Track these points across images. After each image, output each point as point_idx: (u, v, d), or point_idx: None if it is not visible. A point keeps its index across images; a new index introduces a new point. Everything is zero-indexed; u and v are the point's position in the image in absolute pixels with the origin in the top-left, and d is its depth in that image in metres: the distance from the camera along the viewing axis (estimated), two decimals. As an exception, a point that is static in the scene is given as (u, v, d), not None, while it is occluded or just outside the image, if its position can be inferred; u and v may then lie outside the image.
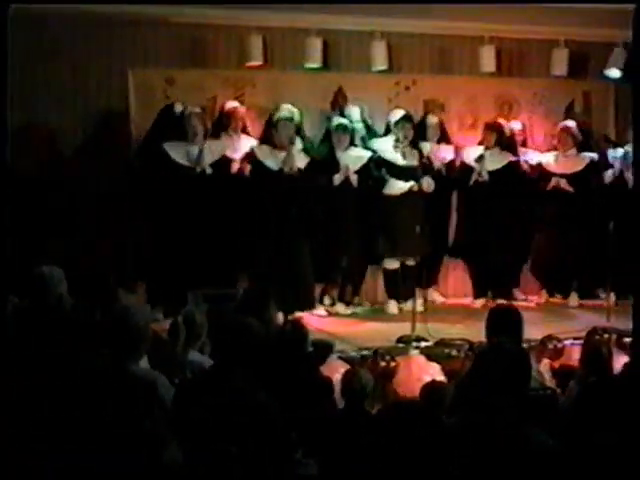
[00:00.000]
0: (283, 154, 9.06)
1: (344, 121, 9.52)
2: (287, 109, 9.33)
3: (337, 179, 9.27)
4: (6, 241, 6.49)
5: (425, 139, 9.89)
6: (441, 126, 10.11)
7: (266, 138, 9.23)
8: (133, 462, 4.44)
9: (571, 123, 10.20)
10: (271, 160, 9.07)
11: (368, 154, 9.47)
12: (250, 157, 9.14)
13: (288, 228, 9.02)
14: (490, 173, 9.80)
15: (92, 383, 4.71)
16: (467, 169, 9.93)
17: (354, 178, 9.33)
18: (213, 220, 8.85)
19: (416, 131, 9.64)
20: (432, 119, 10.05)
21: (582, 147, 10.11)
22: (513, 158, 9.92)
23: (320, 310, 9.40)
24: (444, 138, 10.11)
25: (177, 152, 8.91)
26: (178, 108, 9.09)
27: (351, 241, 9.42)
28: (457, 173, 10.01)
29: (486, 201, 9.78)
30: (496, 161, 9.85)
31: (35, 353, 5.47)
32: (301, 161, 9.17)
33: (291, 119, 9.17)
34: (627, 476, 4.17)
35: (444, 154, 9.98)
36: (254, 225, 9.04)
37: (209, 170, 8.92)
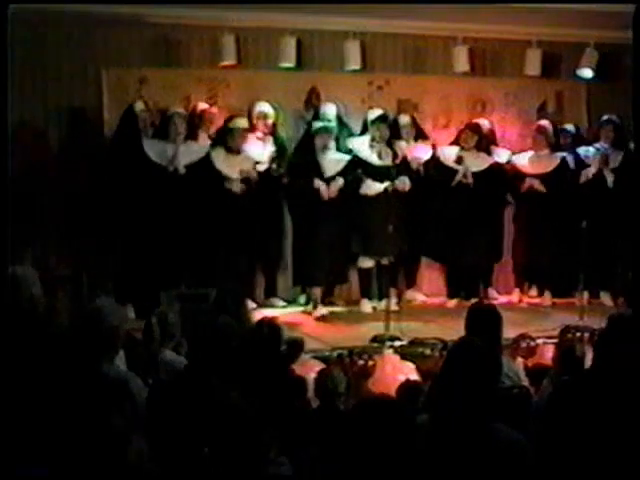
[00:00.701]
0: (237, 158, 9.13)
1: (325, 123, 9.51)
2: (262, 106, 9.49)
3: (323, 190, 9.24)
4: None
5: (399, 139, 9.88)
6: (415, 124, 10.09)
7: (220, 141, 9.25)
8: (105, 463, 4.42)
9: (546, 123, 10.24)
10: (225, 165, 9.10)
11: (347, 157, 9.46)
12: (206, 160, 9.15)
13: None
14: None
15: (65, 384, 4.69)
16: (445, 169, 9.92)
17: (340, 184, 9.33)
18: (184, 220, 8.86)
19: (391, 131, 9.66)
20: (404, 118, 10.03)
21: (555, 147, 10.16)
22: (493, 160, 9.96)
23: (298, 309, 9.43)
24: (420, 136, 10.10)
25: (155, 151, 8.92)
26: (138, 106, 9.08)
27: (333, 242, 9.40)
28: (434, 173, 9.98)
29: (464, 202, 9.80)
30: (477, 163, 9.87)
31: (6, 355, 5.44)
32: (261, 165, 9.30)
33: (247, 129, 9.25)
34: (600, 474, 4.20)
35: (420, 153, 9.91)
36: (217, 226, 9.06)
37: (183, 170, 8.92)
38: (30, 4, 8.51)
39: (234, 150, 9.15)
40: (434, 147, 10.08)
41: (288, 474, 4.69)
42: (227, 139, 9.18)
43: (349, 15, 9.75)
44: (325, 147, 9.35)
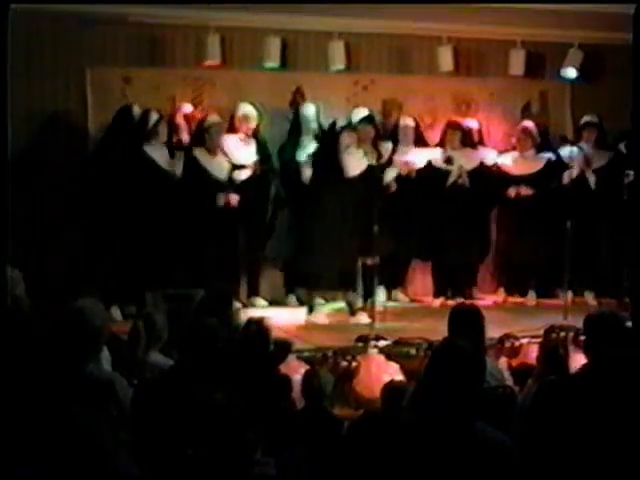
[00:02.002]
0: (216, 159, 9.20)
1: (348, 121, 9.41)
2: (245, 108, 9.51)
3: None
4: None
5: (396, 142, 9.93)
6: (416, 128, 10.12)
7: (198, 141, 9.27)
8: (90, 464, 4.42)
9: (530, 124, 10.26)
10: (210, 166, 9.16)
11: (366, 163, 9.24)
12: (190, 160, 9.16)
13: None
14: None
15: (49, 384, 4.68)
16: (436, 171, 9.92)
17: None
18: (170, 220, 8.86)
19: (377, 132, 9.66)
20: (405, 120, 10.10)
21: (540, 148, 10.19)
22: (481, 157, 9.98)
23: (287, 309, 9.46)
24: (420, 142, 10.11)
25: (159, 155, 8.93)
26: (136, 110, 9.05)
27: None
28: (426, 176, 9.93)
29: (456, 202, 9.82)
30: (467, 162, 9.90)
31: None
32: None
33: (220, 124, 9.29)
34: (584, 474, 4.22)
35: (415, 158, 9.89)
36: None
37: (179, 175, 8.99)
38: (23, 4, 8.47)
39: (212, 150, 9.17)
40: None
41: (273, 474, 4.70)
42: (205, 138, 9.18)
43: (334, 15, 9.75)
44: (349, 146, 9.15)
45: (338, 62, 10.11)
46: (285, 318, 8.95)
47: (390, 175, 9.40)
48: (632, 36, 8.16)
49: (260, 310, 9.00)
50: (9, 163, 7.01)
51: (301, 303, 9.66)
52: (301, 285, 9.58)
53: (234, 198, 9.15)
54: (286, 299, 9.76)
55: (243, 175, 9.30)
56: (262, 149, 9.55)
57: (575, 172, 9.86)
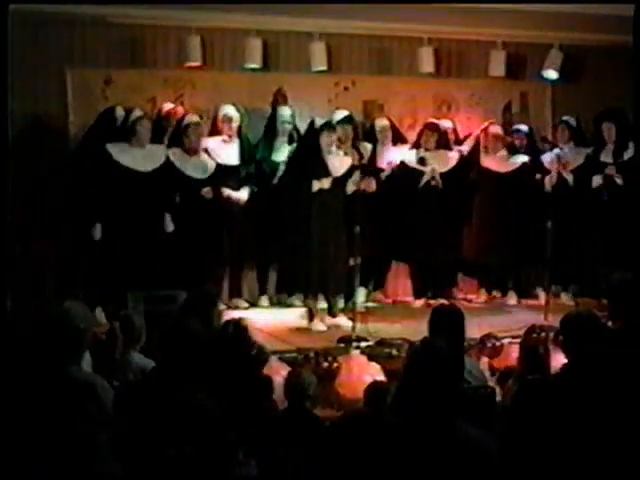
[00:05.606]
0: (194, 159, 9.17)
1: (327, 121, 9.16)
2: (227, 109, 9.49)
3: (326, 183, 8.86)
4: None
5: (374, 142, 9.93)
6: (393, 127, 10.13)
7: (175, 141, 9.24)
8: (72, 465, 4.42)
9: (498, 129, 10.22)
10: (187, 166, 9.13)
11: (349, 161, 9.06)
12: (168, 162, 9.11)
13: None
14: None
15: (31, 386, 4.67)
16: (411, 171, 9.93)
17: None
18: (153, 222, 8.85)
19: (356, 132, 9.66)
20: (381, 122, 10.10)
21: (526, 150, 10.21)
22: (457, 157, 10.00)
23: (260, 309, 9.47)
24: (399, 139, 10.14)
25: (123, 154, 8.84)
26: (120, 112, 8.99)
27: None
28: (400, 176, 9.96)
29: (431, 203, 9.84)
30: (442, 163, 9.91)
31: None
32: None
33: (199, 123, 9.24)
34: (563, 473, 4.24)
35: (395, 157, 9.94)
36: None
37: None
38: (25, 4, 8.45)
39: (191, 150, 9.16)
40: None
41: (255, 475, 4.71)
42: (183, 138, 9.17)
43: (315, 16, 9.77)
44: (330, 146, 8.89)
45: (319, 63, 10.13)
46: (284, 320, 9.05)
47: (354, 180, 9.00)
48: (632, 37, 8.21)
49: (242, 311, 9.02)
50: (8, 163, 7.00)
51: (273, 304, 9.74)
52: (296, 289, 9.49)
53: (208, 192, 9.14)
54: (260, 300, 9.78)
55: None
56: (245, 150, 9.53)
57: (554, 177, 9.89)
